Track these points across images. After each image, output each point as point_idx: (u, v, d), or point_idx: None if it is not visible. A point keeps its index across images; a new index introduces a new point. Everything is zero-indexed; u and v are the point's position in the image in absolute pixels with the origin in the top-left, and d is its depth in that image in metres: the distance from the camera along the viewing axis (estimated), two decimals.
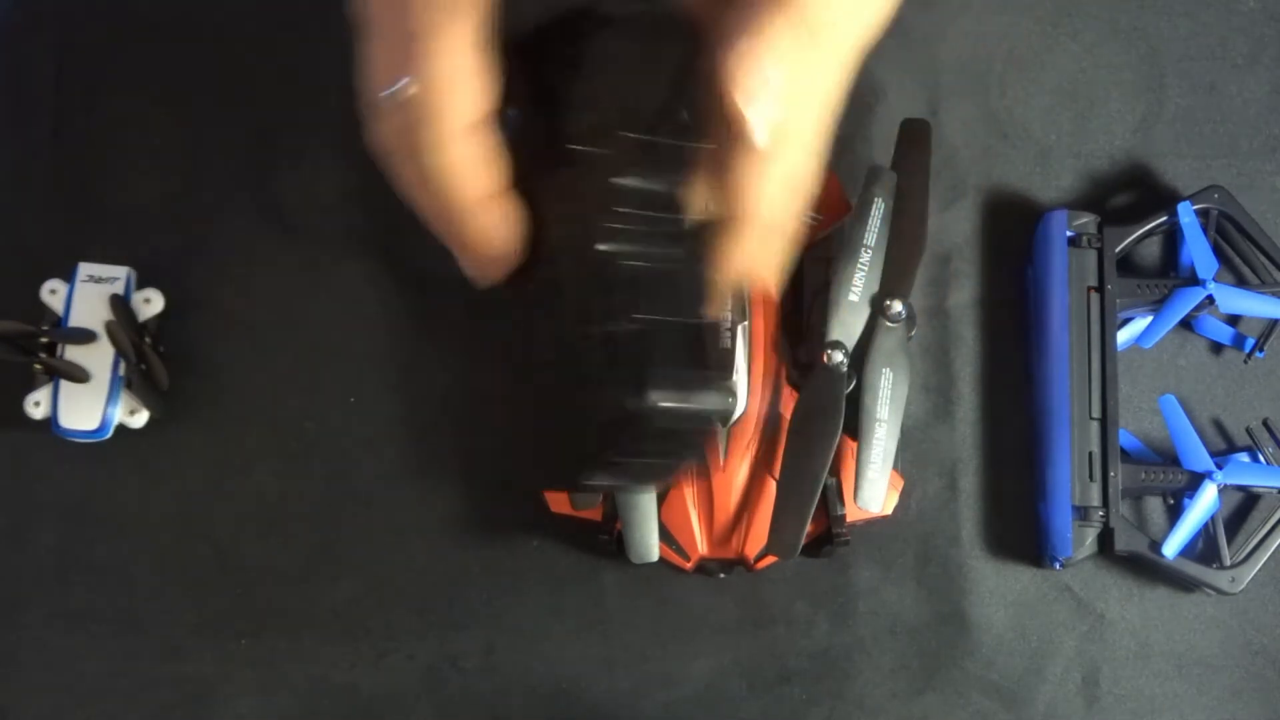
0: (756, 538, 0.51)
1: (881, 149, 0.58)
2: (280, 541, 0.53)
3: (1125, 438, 0.56)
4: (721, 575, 0.53)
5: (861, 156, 0.58)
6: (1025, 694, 0.55)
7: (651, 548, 0.50)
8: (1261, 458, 0.56)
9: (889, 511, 0.52)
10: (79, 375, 0.52)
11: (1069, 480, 0.54)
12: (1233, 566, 0.54)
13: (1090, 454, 0.54)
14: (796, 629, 0.55)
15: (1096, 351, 0.55)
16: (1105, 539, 0.54)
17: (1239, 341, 0.57)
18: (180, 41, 0.58)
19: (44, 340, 0.53)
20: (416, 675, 0.54)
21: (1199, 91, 0.60)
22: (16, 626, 0.54)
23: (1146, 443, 0.56)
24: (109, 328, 0.53)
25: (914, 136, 0.54)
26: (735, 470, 0.52)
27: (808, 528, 0.50)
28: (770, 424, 0.52)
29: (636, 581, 0.55)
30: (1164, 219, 0.57)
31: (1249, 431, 0.56)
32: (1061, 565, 0.54)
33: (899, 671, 0.55)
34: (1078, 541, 0.53)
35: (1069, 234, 0.56)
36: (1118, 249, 0.56)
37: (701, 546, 0.52)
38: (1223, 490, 0.54)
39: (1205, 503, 0.54)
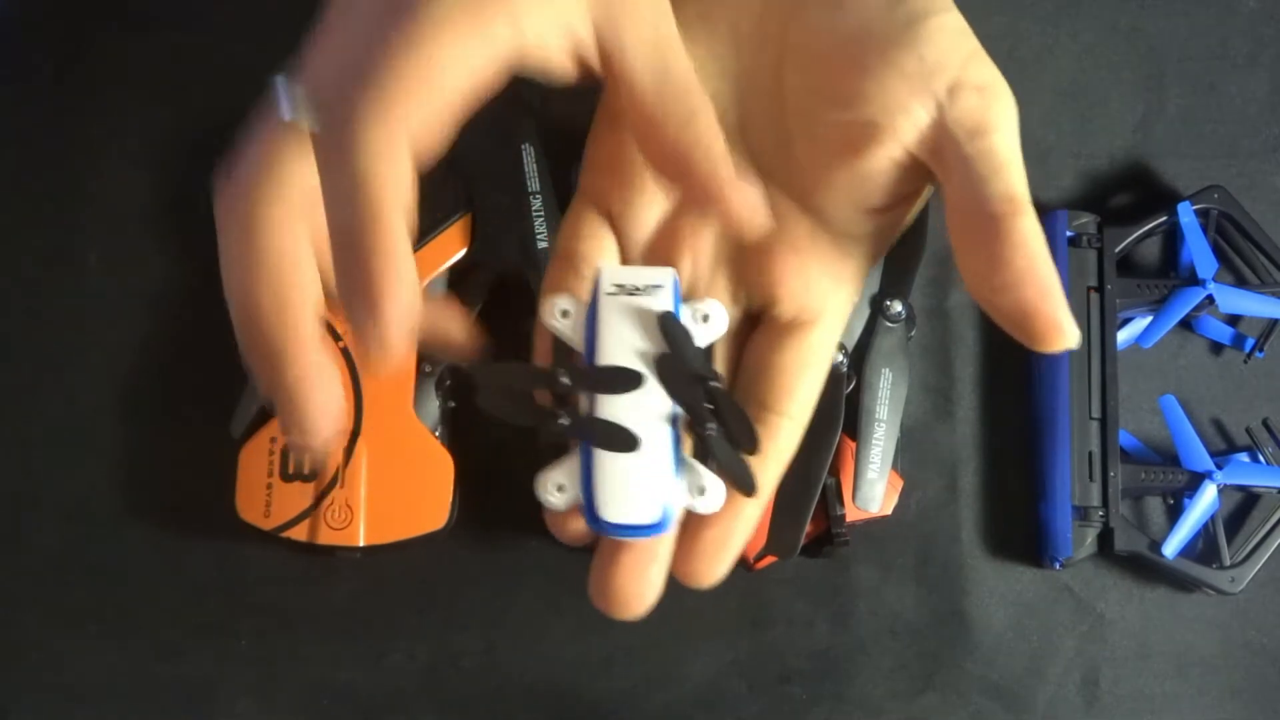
0: (756, 538, 0.51)
1: None
2: (281, 541, 0.53)
3: (1125, 438, 0.56)
4: None
5: None
6: (1025, 694, 0.55)
7: None
8: (1261, 458, 0.56)
9: (888, 512, 0.52)
10: (625, 442, 0.34)
11: (1069, 480, 0.54)
12: (1233, 566, 0.54)
13: (1090, 454, 0.54)
14: (796, 629, 0.55)
15: (1096, 351, 0.55)
16: (1105, 539, 0.54)
17: (1239, 341, 0.57)
18: (181, 37, 0.58)
19: (563, 384, 0.35)
20: (416, 675, 0.54)
21: (1199, 91, 0.60)
22: (16, 626, 0.54)
23: (1146, 443, 0.56)
24: (661, 365, 0.35)
25: None
26: None
27: (807, 528, 0.50)
28: None
29: None
30: (1164, 219, 0.57)
31: (1249, 431, 0.56)
32: (1061, 565, 0.54)
33: (899, 671, 0.55)
34: (1078, 541, 0.53)
35: (1069, 234, 0.56)
36: (1118, 249, 0.56)
37: None
38: (1222, 490, 0.54)
39: (1205, 503, 0.54)
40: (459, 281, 0.55)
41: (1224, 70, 0.60)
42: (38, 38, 0.59)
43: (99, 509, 0.55)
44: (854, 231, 0.37)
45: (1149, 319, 0.56)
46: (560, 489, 0.35)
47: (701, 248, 0.38)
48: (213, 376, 0.55)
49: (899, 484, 0.53)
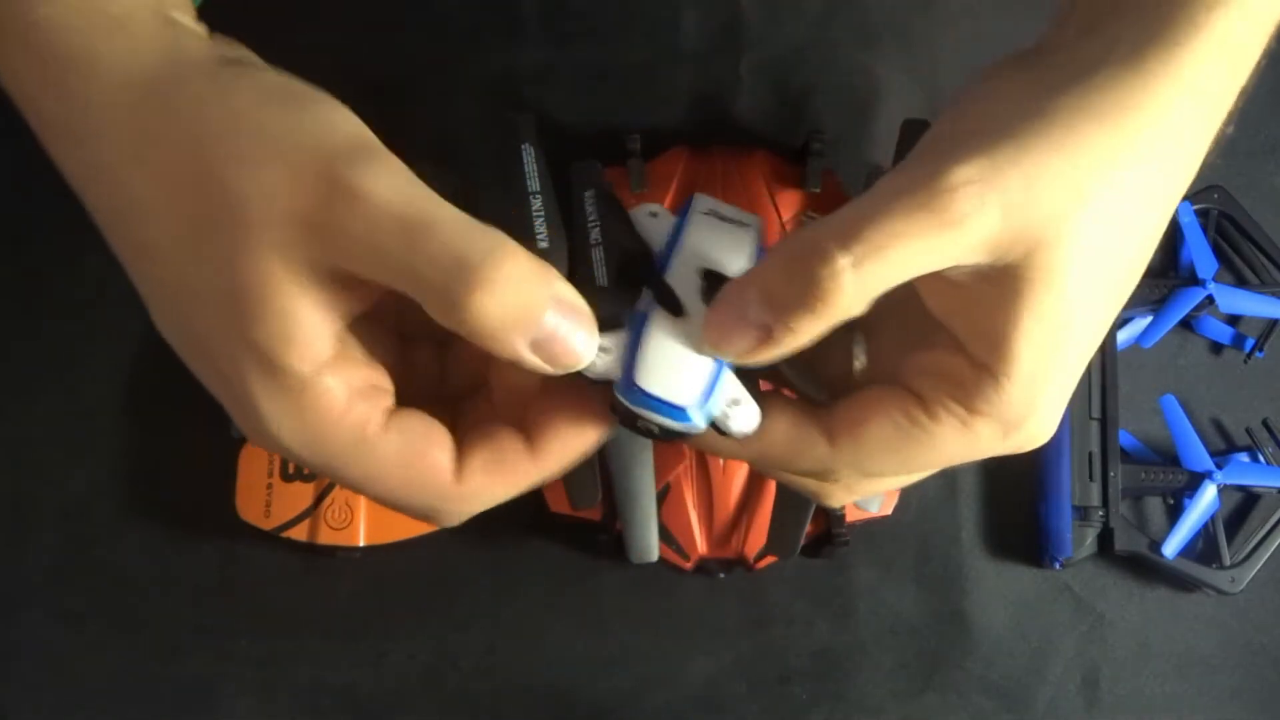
0: (756, 538, 0.51)
1: (881, 149, 0.58)
2: (281, 541, 0.53)
3: (1125, 438, 0.56)
4: (721, 575, 0.53)
5: (862, 156, 0.58)
6: (1025, 694, 0.55)
7: (651, 548, 0.50)
8: (1261, 458, 0.56)
9: (888, 512, 0.52)
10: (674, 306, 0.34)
11: (1069, 480, 0.54)
12: (1233, 566, 0.54)
13: (1090, 454, 0.54)
14: (796, 629, 0.55)
15: (1096, 351, 0.55)
16: (1105, 539, 0.54)
17: (1239, 341, 0.57)
18: None
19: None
20: (416, 675, 0.54)
21: None
22: (16, 626, 0.54)
23: (1146, 443, 0.56)
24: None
25: (914, 137, 0.54)
26: (735, 470, 0.51)
27: (807, 528, 0.50)
28: None
29: (636, 581, 0.55)
30: None
31: (1249, 431, 0.56)
32: (1061, 565, 0.54)
33: (899, 671, 0.55)
34: (1078, 541, 0.53)
35: None
36: None
37: (701, 546, 0.52)
38: (1223, 490, 0.54)
39: (1205, 503, 0.54)
40: None
41: None
42: None
43: (99, 509, 0.55)
44: None
45: (1149, 319, 0.56)
46: (604, 350, 0.33)
47: None
48: None
49: None
